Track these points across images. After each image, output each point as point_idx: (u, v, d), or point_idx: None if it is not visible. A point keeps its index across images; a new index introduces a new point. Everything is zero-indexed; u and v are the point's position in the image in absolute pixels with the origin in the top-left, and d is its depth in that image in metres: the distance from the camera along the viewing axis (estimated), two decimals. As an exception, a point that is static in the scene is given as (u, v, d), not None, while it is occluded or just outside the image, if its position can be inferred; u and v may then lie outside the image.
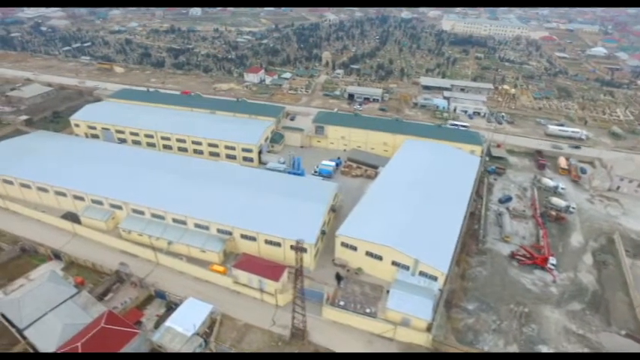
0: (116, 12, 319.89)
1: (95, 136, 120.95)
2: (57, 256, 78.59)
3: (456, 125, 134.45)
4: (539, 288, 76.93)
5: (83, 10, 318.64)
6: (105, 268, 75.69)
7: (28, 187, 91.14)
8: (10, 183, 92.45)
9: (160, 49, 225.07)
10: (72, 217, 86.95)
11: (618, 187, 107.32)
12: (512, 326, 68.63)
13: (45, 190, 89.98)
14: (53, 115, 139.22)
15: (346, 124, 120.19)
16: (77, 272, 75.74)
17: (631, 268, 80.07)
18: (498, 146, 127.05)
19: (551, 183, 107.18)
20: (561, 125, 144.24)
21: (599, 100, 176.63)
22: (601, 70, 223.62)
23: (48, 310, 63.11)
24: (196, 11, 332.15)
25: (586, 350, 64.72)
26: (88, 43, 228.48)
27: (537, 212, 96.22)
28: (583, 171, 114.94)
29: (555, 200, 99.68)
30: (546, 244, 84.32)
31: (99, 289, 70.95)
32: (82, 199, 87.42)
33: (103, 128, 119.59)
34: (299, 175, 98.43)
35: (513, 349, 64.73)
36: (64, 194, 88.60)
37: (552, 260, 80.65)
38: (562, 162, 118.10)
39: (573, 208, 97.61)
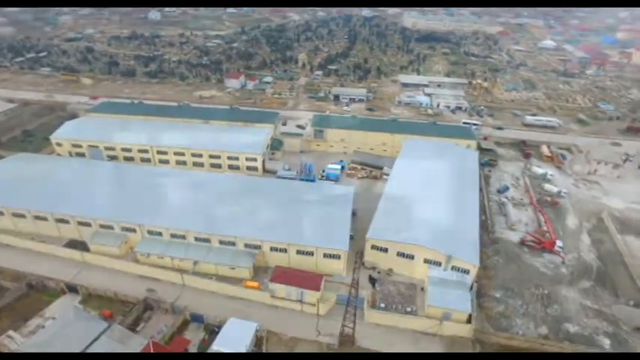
0: (67, 17, 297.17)
1: (81, 155, 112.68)
2: (71, 288, 73.05)
3: (469, 124, 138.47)
4: (551, 270, 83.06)
5: (28, 16, 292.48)
6: (129, 297, 71.50)
7: (22, 216, 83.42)
8: (0, 214, 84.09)
9: (126, 56, 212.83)
10: (78, 246, 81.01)
11: (595, 171, 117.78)
12: (537, 308, 73.76)
13: (44, 219, 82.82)
14: (23, 134, 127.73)
15: (345, 126, 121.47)
16: (98, 304, 70.95)
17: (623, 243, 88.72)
18: (485, 139, 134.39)
19: (540, 171, 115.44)
20: (534, 115, 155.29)
21: (560, 89, 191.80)
22: (554, 62, 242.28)
23: (82, 349, 58.95)
24: (155, 15, 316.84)
25: (604, 324, 71.00)
26: (44, 53, 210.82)
27: (534, 199, 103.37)
28: (564, 157, 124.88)
29: (548, 186, 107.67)
30: (551, 229, 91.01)
31: (128, 319, 66.99)
32: (88, 224, 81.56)
33: (90, 146, 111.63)
34: (311, 181, 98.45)
35: (543, 330, 69.65)
36: (66, 221, 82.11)
37: (559, 243, 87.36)
38: (545, 150, 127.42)
39: (565, 192, 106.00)
